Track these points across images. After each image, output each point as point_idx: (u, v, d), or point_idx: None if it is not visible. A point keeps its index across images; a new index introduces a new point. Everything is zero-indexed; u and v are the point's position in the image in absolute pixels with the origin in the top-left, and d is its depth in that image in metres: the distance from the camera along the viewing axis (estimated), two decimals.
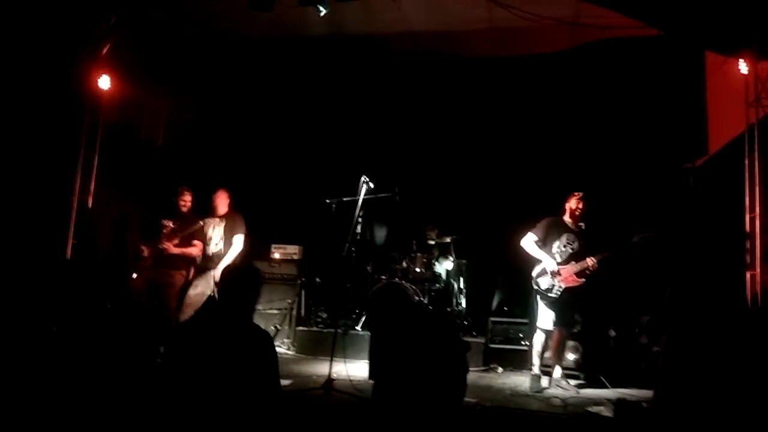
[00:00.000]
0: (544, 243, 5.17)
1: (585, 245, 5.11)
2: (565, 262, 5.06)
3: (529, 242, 5.20)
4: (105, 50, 6.09)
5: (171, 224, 5.69)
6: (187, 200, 5.80)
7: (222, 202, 6.00)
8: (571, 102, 6.90)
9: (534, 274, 5.15)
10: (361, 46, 6.84)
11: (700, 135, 6.47)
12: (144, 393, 3.58)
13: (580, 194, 5.16)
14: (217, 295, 5.37)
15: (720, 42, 5.26)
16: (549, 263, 5.07)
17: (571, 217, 5.19)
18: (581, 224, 5.32)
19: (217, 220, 5.96)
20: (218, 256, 5.84)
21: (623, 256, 5.06)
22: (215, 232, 5.92)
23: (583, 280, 5.01)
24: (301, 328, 6.70)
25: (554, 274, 5.03)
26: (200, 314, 3.12)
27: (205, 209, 5.96)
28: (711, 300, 5.24)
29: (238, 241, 5.91)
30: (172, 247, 5.61)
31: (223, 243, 5.91)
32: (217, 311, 2.97)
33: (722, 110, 6.15)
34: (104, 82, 6.13)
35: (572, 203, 5.17)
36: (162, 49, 6.75)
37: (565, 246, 5.12)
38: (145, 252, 5.66)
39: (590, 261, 4.97)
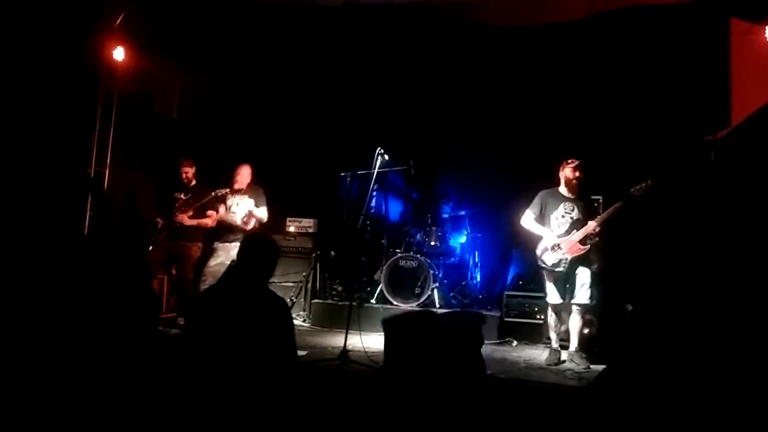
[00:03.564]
0: (542, 217, 5.10)
1: (586, 211, 5.01)
2: (567, 232, 4.98)
3: (528, 220, 5.14)
4: (118, 21, 6.06)
5: (183, 196, 5.73)
6: (186, 171, 5.80)
7: (244, 176, 5.95)
8: (591, 72, 6.74)
9: (538, 252, 5.09)
10: (376, 16, 6.73)
11: (723, 107, 6.30)
12: (164, 362, 3.62)
13: (575, 162, 5.00)
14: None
15: (746, 9, 5.09)
16: (549, 238, 5.01)
17: (567, 186, 5.08)
18: (598, 197, 5.24)
19: (242, 195, 5.91)
20: (241, 231, 5.79)
21: (628, 213, 4.90)
22: (240, 207, 5.87)
23: (588, 246, 4.93)
24: (316, 300, 6.74)
25: (555, 247, 4.97)
26: (220, 283, 3.18)
27: (217, 182, 5.96)
28: (731, 276, 5.17)
29: (262, 212, 5.90)
30: (186, 219, 5.64)
31: (248, 217, 5.88)
32: (235, 279, 3.02)
33: (747, 81, 5.97)
34: (118, 54, 6.11)
35: (567, 172, 5.03)
36: (175, 21, 6.70)
37: (563, 216, 5.03)
38: (160, 224, 5.70)
39: (591, 225, 4.87)
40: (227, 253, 5.62)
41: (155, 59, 6.76)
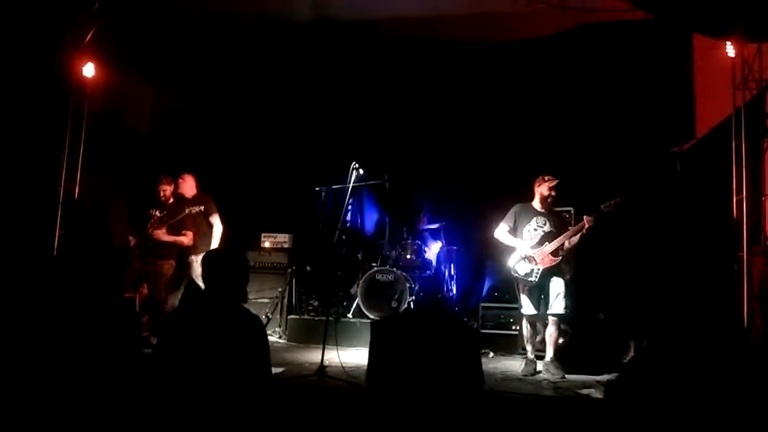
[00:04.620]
0: (515, 230, 5.19)
1: (558, 225, 5.11)
2: (539, 243, 5.07)
3: (501, 232, 5.22)
4: (88, 37, 5.99)
5: (157, 213, 5.66)
6: (165, 189, 5.75)
7: (189, 186, 5.99)
8: (560, 87, 6.90)
9: (511, 263, 5.17)
10: (348, 32, 6.79)
11: (687, 119, 6.51)
12: (135, 384, 3.56)
13: (553, 182, 5.09)
14: (199, 281, 5.37)
15: (708, 24, 5.28)
16: (523, 249, 5.09)
17: (541, 201, 5.17)
18: (569, 209, 5.34)
19: (192, 205, 5.88)
20: (198, 243, 5.78)
21: (605, 233, 5.04)
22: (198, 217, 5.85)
23: (560, 258, 5.03)
24: (292, 316, 6.69)
25: (529, 258, 5.05)
26: (185, 302, 3.07)
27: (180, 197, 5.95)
28: (697, 282, 5.30)
29: (217, 222, 5.88)
30: (163, 235, 5.56)
31: (200, 228, 5.87)
32: (204, 298, 2.93)
33: (710, 94, 6.18)
34: (88, 70, 6.04)
35: (543, 189, 5.12)
36: (145, 36, 6.65)
37: (536, 229, 5.12)
38: (132, 242, 5.61)
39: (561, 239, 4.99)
40: (194, 266, 5.60)
41: (125, 74, 6.69)
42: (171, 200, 5.82)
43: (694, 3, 5.14)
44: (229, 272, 2.90)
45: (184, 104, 7.61)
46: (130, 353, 4.44)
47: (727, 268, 5.42)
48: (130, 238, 5.59)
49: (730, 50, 5.39)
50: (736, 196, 5.42)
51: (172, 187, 5.85)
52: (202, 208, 5.84)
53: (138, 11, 6.34)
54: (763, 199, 5.25)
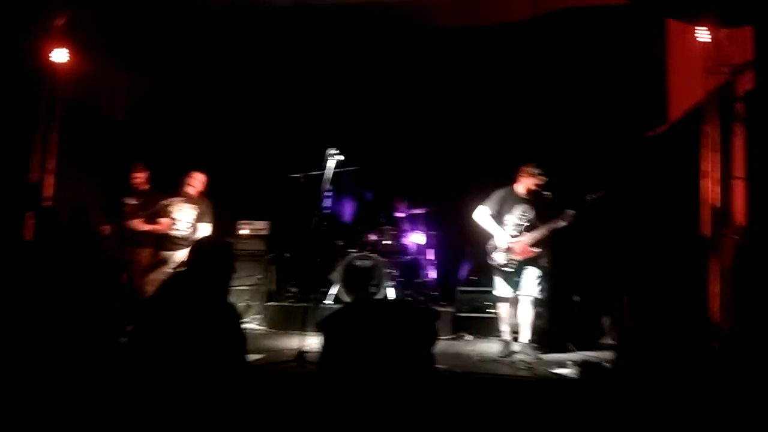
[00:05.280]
0: (498, 215, 5.22)
1: (540, 214, 5.15)
2: (520, 234, 5.12)
3: (482, 215, 5.23)
4: (60, 23, 5.88)
5: (133, 201, 5.61)
6: (139, 176, 5.70)
7: (197, 185, 5.88)
8: (535, 72, 6.94)
9: (489, 249, 5.22)
10: (325, 16, 6.73)
11: (661, 104, 6.58)
12: (111, 371, 3.56)
13: (543, 177, 5.12)
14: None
15: (680, 9, 5.33)
16: (501, 239, 5.13)
17: (525, 190, 5.21)
18: (547, 193, 5.39)
19: (187, 202, 5.84)
20: (184, 240, 5.71)
21: (580, 218, 5.08)
22: (184, 214, 5.80)
23: (540, 249, 5.08)
24: (271, 303, 6.70)
25: (507, 249, 5.09)
26: (164, 291, 3.02)
27: (166, 186, 5.87)
28: (670, 263, 5.40)
29: (205, 230, 5.84)
30: (140, 224, 5.52)
31: (192, 228, 5.82)
32: (188, 288, 2.90)
33: (682, 78, 6.25)
34: (61, 56, 5.93)
35: (529, 181, 5.15)
36: (120, 21, 6.53)
37: (519, 219, 5.16)
38: (107, 231, 5.57)
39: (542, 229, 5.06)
40: (168, 264, 5.54)
41: (100, 61, 6.59)
42: (146, 187, 5.77)
43: None
44: (216, 264, 2.90)
45: (160, 91, 7.53)
46: (107, 338, 4.44)
47: (699, 250, 5.53)
48: (105, 227, 5.54)
49: (703, 35, 5.44)
50: (707, 179, 5.52)
51: (147, 174, 5.80)
52: (197, 206, 5.80)
53: None
54: (734, 182, 5.34)
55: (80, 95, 6.64)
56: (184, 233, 5.74)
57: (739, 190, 5.26)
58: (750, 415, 3.38)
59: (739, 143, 5.29)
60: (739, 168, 5.28)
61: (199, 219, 5.83)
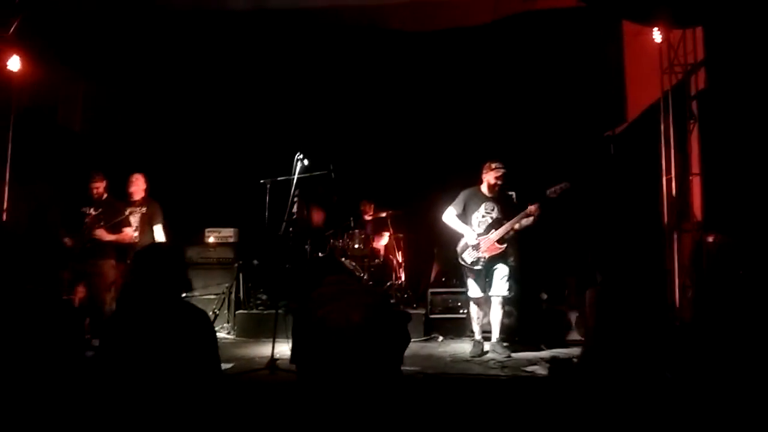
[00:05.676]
0: (464, 215, 5.28)
1: (505, 211, 5.20)
2: (486, 231, 5.18)
3: (450, 217, 5.30)
4: (12, 29, 5.70)
5: (92, 211, 5.48)
6: (97, 186, 5.58)
7: (139, 187, 5.88)
8: (496, 74, 7.05)
9: (459, 250, 5.27)
10: (285, 21, 6.70)
11: (619, 103, 6.77)
12: (78, 387, 3.46)
13: (501, 171, 5.13)
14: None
15: (634, 11, 5.48)
16: (469, 237, 5.19)
17: (489, 189, 5.26)
18: (511, 193, 5.48)
19: (135, 207, 5.81)
20: (137, 246, 5.62)
21: (545, 216, 5.14)
22: (135, 219, 5.76)
23: (505, 246, 5.16)
24: (240, 311, 6.60)
25: (475, 247, 5.16)
26: (123, 303, 2.95)
27: (125, 196, 5.79)
28: (632, 258, 5.55)
29: (160, 232, 5.78)
30: (105, 234, 5.39)
31: (140, 232, 5.75)
32: (141, 296, 2.79)
33: (639, 78, 6.44)
34: (14, 64, 5.76)
35: (490, 177, 5.18)
36: (75, 28, 6.38)
37: (484, 216, 5.23)
38: (69, 243, 5.41)
39: (506, 226, 5.10)
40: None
41: (55, 69, 6.41)
42: (104, 196, 5.65)
43: None
44: (160, 265, 2.83)
45: (118, 99, 7.38)
46: (71, 356, 4.30)
47: (660, 245, 5.70)
48: (66, 239, 5.39)
49: (657, 36, 5.61)
50: (666, 176, 5.69)
51: (105, 183, 5.67)
52: (144, 209, 5.73)
53: (66, 1, 6.08)
54: (691, 178, 5.52)
55: (36, 104, 6.45)
56: (134, 240, 5.68)
57: (696, 185, 5.45)
58: (712, 395, 3.50)
59: (695, 141, 5.48)
60: (696, 164, 5.47)
61: (150, 221, 5.80)
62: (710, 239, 5.00)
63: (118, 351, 2.72)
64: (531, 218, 5.08)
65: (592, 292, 4.56)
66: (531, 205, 5.03)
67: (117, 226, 5.49)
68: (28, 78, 5.95)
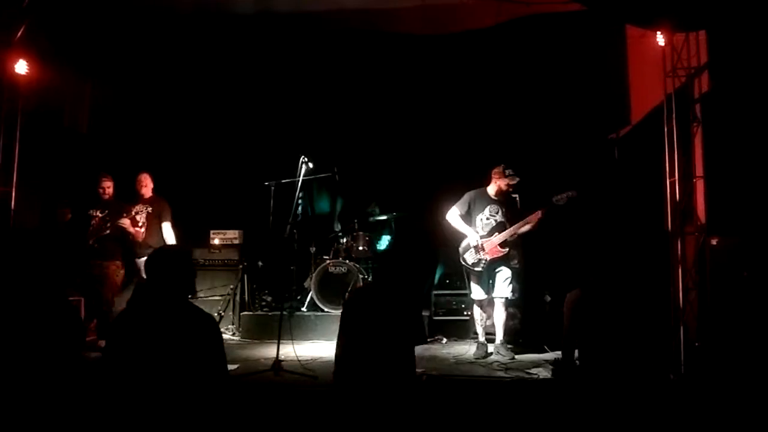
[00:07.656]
0: (468, 216, 5.29)
1: (510, 215, 5.23)
2: (489, 234, 5.20)
3: (453, 216, 5.31)
4: (19, 34, 5.75)
5: (98, 213, 5.53)
6: (106, 187, 5.64)
7: (146, 186, 5.94)
8: (500, 77, 7.06)
9: (461, 250, 5.29)
10: (291, 24, 6.73)
11: (622, 106, 6.77)
12: (81, 389, 3.48)
13: (515, 180, 5.15)
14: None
15: (637, 15, 5.49)
16: (472, 238, 5.20)
17: (496, 192, 5.28)
18: (515, 196, 5.49)
19: (142, 205, 5.86)
20: (145, 244, 5.67)
21: (550, 219, 5.16)
22: (141, 217, 5.80)
23: (507, 249, 5.17)
24: (245, 312, 6.64)
25: (478, 248, 5.17)
26: (133, 303, 2.97)
27: (134, 197, 5.84)
28: (631, 261, 5.55)
29: (169, 230, 5.83)
30: (128, 225, 5.48)
31: (148, 230, 5.80)
32: (150, 298, 2.85)
33: (643, 81, 6.44)
34: (21, 68, 5.80)
35: (502, 183, 5.18)
36: (82, 31, 6.43)
37: (488, 218, 5.25)
38: (96, 219, 5.50)
39: (508, 231, 5.13)
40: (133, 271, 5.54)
41: (62, 71, 6.43)
42: (111, 198, 5.71)
43: None
44: (171, 269, 2.86)
45: (124, 101, 7.41)
46: (73, 358, 4.32)
47: (663, 248, 5.70)
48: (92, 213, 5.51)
49: (660, 39, 5.62)
50: (669, 179, 5.70)
51: (113, 184, 5.74)
52: (151, 208, 5.77)
53: (72, 5, 6.12)
54: (695, 181, 5.53)
55: (42, 107, 6.48)
56: (143, 238, 5.75)
57: (700, 188, 5.45)
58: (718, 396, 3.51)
59: (698, 144, 5.48)
60: (699, 167, 5.47)
61: (158, 220, 5.84)
62: (714, 242, 5.01)
63: (124, 352, 2.75)
64: (529, 225, 5.10)
65: (573, 295, 4.59)
66: (537, 210, 5.05)
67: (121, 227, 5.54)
68: (35, 81, 6.00)
